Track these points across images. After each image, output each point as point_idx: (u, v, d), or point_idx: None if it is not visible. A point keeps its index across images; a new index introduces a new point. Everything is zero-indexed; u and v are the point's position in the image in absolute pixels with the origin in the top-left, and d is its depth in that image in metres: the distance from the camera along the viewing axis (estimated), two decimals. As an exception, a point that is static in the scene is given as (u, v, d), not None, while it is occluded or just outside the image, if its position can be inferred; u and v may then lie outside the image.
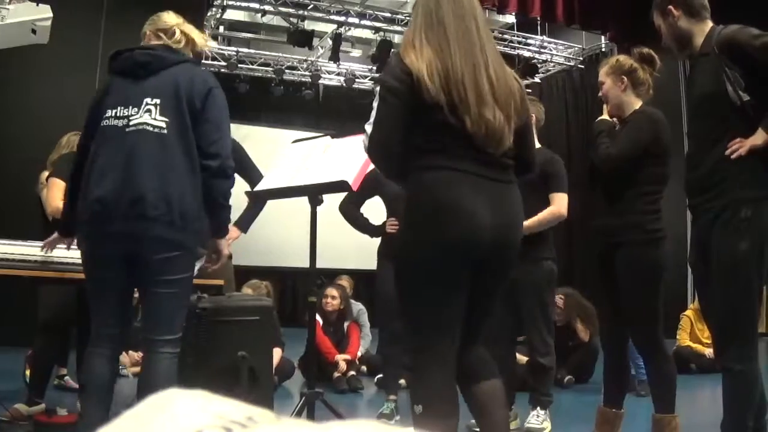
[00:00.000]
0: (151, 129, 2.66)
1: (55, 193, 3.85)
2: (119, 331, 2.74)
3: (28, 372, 4.89)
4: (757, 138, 2.65)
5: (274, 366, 4.53)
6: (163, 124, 2.67)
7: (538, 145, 4.22)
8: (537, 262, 4.00)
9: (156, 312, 2.73)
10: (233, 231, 4.05)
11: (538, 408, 3.98)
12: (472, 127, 2.28)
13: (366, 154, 2.36)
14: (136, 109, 2.69)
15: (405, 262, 2.33)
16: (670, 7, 2.90)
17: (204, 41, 2.95)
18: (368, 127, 2.30)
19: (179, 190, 2.63)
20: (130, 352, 5.72)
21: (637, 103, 3.36)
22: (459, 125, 2.28)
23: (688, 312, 7.17)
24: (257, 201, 4.04)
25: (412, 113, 2.28)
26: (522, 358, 5.35)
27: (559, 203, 4.03)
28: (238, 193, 4.15)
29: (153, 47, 2.82)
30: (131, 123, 2.67)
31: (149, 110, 2.69)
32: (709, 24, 2.89)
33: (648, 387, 3.66)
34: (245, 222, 4.13)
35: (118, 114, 2.70)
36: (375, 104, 2.31)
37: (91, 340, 2.73)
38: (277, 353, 5.21)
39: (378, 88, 2.34)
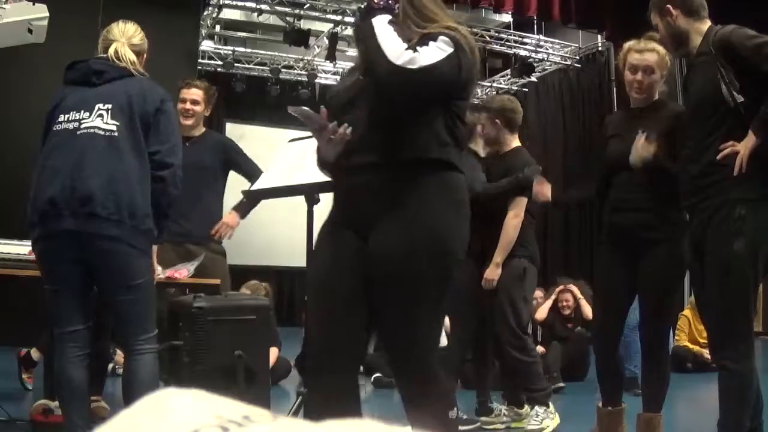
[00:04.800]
0: (102, 132, 2.71)
1: None
2: (83, 330, 2.77)
3: (25, 376, 4.89)
4: (748, 144, 2.64)
5: (271, 365, 4.53)
6: (114, 127, 2.72)
7: (517, 143, 4.24)
8: (507, 259, 4.02)
9: (122, 320, 2.81)
10: (233, 217, 4.06)
11: (536, 407, 3.96)
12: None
13: (407, 57, 2.02)
14: (87, 114, 2.74)
15: (450, 260, 2.15)
16: (669, 6, 2.89)
17: (134, 62, 2.89)
18: (432, 52, 2.04)
19: (129, 191, 2.68)
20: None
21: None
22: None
23: (687, 312, 7.15)
24: (253, 198, 4.04)
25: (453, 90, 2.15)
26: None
27: (516, 209, 4.01)
28: (234, 190, 4.16)
29: (107, 58, 2.86)
30: (82, 126, 2.72)
31: (101, 115, 2.73)
32: (707, 23, 2.88)
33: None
34: (242, 210, 4.13)
35: (70, 118, 2.75)
36: (440, 51, 2.05)
37: (57, 341, 2.78)
38: (273, 352, 5.21)
39: (449, 44, 2.08)
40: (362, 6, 2.20)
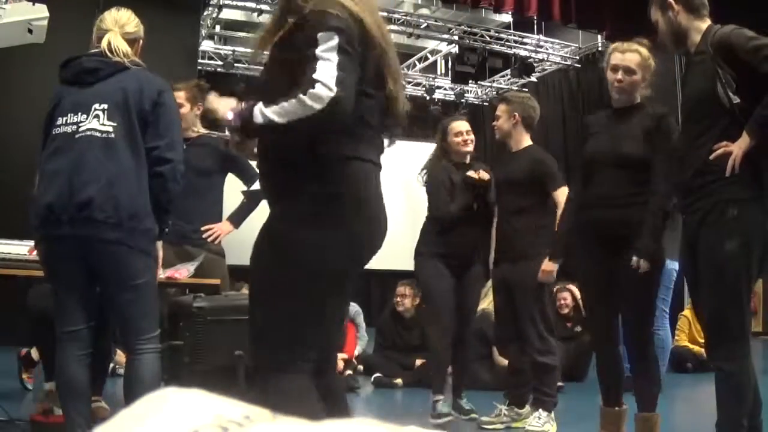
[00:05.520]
0: (98, 134, 2.70)
1: None
2: (85, 329, 2.78)
3: (25, 376, 4.89)
4: (742, 145, 2.63)
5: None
6: (111, 128, 2.71)
7: (529, 142, 4.24)
8: (529, 261, 4.00)
9: (123, 320, 2.81)
10: (226, 225, 4.05)
11: (540, 410, 3.95)
12: (392, 96, 2.03)
13: (306, 109, 1.82)
14: (85, 116, 2.73)
15: (306, 260, 1.94)
16: (671, 0, 2.89)
17: (128, 54, 2.85)
18: (328, 80, 1.82)
19: (127, 193, 2.67)
20: (127, 351, 5.71)
21: (638, 97, 3.34)
22: (380, 95, 2.02)
23: (686, 312, 7.15)
24: (253, 199, 4.04)
25: None
26: (502, 360, 5.35)
27: (562, 200, 3.96)
28: (234, 190, 4.16)
29: (100, 53, 2.83)
30: (80, 129, 2.71)
31: (97, 116, 2.72)
32: (707, 22, 2.88)
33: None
34: (238, 217, 4.13)
35: (68, 121, 2.74)
36: (330, 54, 1.85)
37: (59, 341, 2.78)
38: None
39: (329, 36, 1.87)
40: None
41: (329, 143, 1.93)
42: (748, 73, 2.65)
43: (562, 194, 3.98)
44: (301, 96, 1.82)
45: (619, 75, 3.28)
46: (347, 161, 1.95)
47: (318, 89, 1.80)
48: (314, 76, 1.82)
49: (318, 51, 1.85)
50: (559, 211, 3.89)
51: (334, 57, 1.84)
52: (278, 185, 2.02)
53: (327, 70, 1.82)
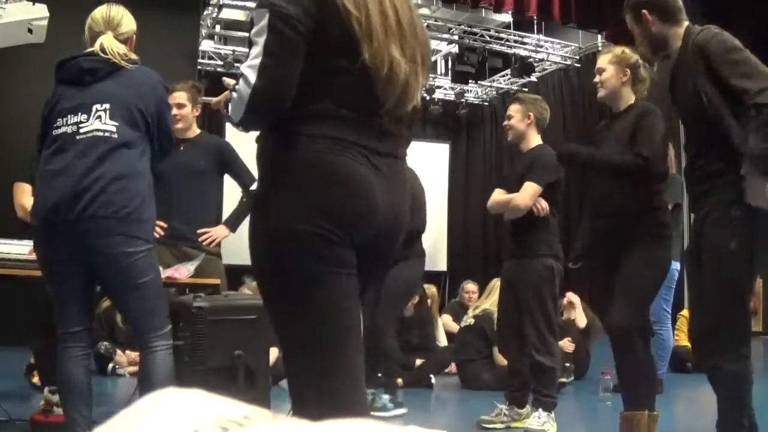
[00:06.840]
0: (101, 134, 2.72)
1: (19, 196, 3.96)
2: (84, 330, 2.80)
3: (36, 380, 4.90)
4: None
5: (271, 365, 4.53)
6: (113, 128, 2.73)
7: (539, 142, 4.24)
8: (532, 259, 4.01)
9: (131, 319, 2.85)
10: (222, 229, 4.06)
11: (540, 409, 3.94)
12: (372, 61, 1.70)
13: (240, 107, 1.68)
14: (86, 116, 2.74)
15: (282, 242, 1.75)
16: (644, 11, 2.88)
17: (123, 54, 2.84)
18: (248, 71, 1.68)
19: (131, 191, 2.70)
20: (127, 351, 5.74)
21: (632, 99, 3.33)
22: (355, 65, 1.71)
23: (684, 312, 7.15)
24: (251, 200, 4.04)
25: (307, 53, 1.71)
26: (503, 360, 5.35)
27: (523, 192, 4.01)
28: (232, 194, 4.16)
29: (96, 53, 2.83)
30: (81, 130, 2.73)
31: (99, 116, 2.74)
32: (685, 25, 2.87)
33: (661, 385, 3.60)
34: (234, 221, 4.13)
35: (68, 122, 2.75)
36: (259, 38, 1.69)
37: (59, 341, 2.80)
38: (273, 352, 5.20)
39: (261, 14, 1.71)
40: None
41: (288, 123, 1.74)
42: (721, 80, 2.65)
43: (525, 188, 4.00)
44: (233, 93, 1.71)
45: (596, 78, 3.42)
46: (310, 139, 1.72)
47: (240, 85, 1.69)
48: (241, 67, 1.70)
49: (251, 33, 1.72)
50: (506, 199, 4.04)
51: (262, 40, 1.68)
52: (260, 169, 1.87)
53: (251, 58, 1.69)
